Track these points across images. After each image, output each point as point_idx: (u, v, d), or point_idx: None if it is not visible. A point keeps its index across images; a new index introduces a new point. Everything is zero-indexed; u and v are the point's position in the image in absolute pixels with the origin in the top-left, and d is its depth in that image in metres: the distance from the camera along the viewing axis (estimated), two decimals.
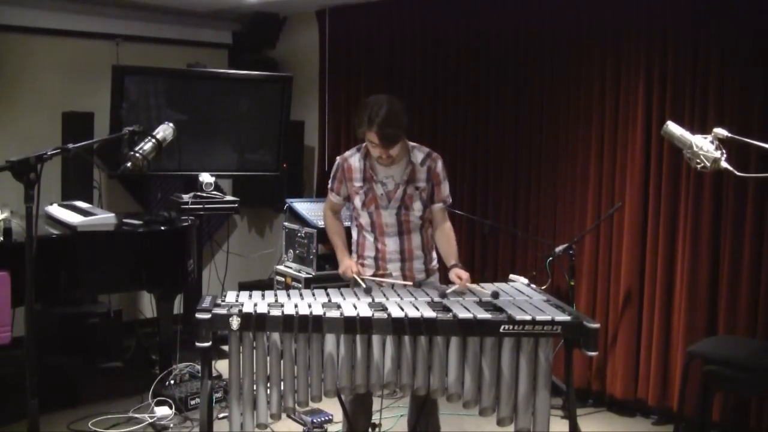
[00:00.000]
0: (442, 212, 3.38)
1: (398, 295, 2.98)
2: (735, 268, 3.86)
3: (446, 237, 3.37)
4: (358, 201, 3.34)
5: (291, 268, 5.14)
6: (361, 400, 3.34)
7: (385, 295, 2.98)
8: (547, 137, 4.66)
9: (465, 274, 3.16)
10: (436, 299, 2.92)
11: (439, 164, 3.34)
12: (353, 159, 3.35)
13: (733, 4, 3.81)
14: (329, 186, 3.46)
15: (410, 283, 3.23)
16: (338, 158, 3.42)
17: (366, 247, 3.38)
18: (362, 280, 3.22)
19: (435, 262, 3.46)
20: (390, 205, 3.29)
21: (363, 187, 3.30)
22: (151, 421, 4.08)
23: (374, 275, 3.34)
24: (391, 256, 3.33)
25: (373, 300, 2.87)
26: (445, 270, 3.32)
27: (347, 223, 3.53)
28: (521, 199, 4.84)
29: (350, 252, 3.44)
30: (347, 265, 3.30)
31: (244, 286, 6.01)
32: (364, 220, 3.36)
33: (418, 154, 3.32)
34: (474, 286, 3.11)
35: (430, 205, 3.35)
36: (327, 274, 4.88)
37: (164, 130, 3.36)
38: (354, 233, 3.47)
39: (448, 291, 3.04)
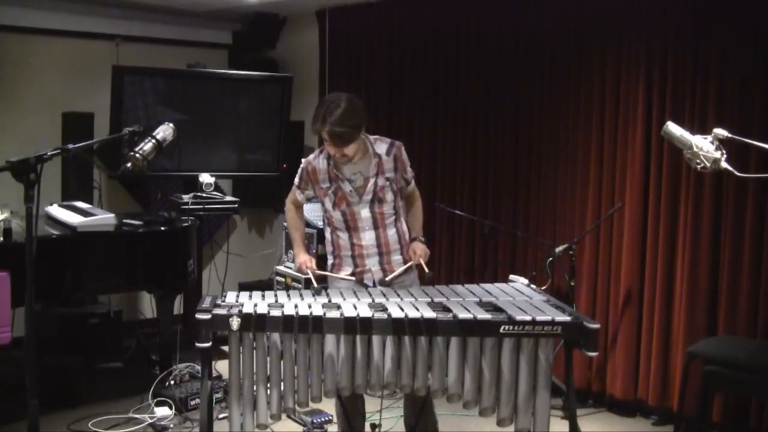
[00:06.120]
0: (413, 190, 3.48)
1: (398, 295, 2.98)
2: (735, 268, 3.86)
3: (414, 211, 3.50)
4: (328, 202, 3.32)
5: (291, 268, 5.13)
6: (352, 400, 3.33)
7: (384, 295, 2.98)
8: (548, 137, 4.66)
9: (420, 249, 3.32)
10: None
11: (403, 150, 3.38)
12: (317, 161, 3.33)
13: (733, 4, 3.81)
14: (296, 182, 3.46)
15: (368, 283, 3.30)
16: (303, 161, 3.42)
17: (341, 246, 3.37)
18: (315, 279, 3.29)
19: None
20: (362, 200, 3.28)
21: (330, 187, 3.29)
22: (151, 421, 4.08)
23: (353, 274, 3.34)
24: (368, 251, 3.33)
25: (373, 300, 2.87)
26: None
27: (319, 224, 3.55)
28: (521, 199, 4.83)
29: (314, 250, 3.46)
30: (303, 260, 3.37)
31: (244, 287, 6.00)
32: (337, 218, 3.34)
33: (382, 145, 3.32)
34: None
35: (405, 187, 3.41)
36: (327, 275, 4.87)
37: (164, 131, 3.37)
38: (327, 233, 3.45)
39: (388, 279, 3.27)
